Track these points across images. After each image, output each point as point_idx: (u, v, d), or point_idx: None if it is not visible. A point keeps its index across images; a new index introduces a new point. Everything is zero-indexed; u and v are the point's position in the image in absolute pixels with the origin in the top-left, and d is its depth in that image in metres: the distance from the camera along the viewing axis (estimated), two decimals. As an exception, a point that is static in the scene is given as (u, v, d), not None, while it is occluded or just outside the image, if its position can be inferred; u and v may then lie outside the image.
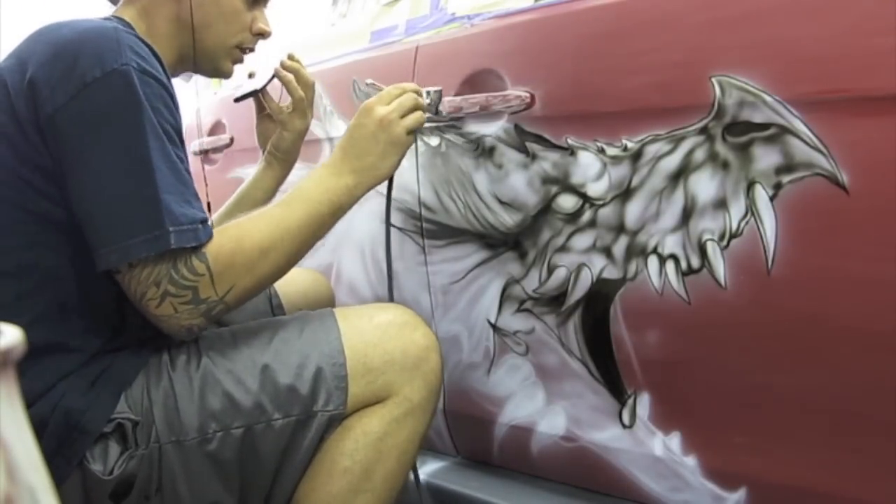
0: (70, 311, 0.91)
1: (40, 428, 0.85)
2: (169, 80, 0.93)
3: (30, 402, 0.84)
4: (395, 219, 1.32)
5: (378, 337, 0.98)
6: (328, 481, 0.96)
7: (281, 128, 1.24)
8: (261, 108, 1.27)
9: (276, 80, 1.23)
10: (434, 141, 1.24)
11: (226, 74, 1.12)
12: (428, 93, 1.11)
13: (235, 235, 0.92)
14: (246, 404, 0.92)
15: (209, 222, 0.91)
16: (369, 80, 1.21)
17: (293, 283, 1.32)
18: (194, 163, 1.84)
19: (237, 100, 1.27)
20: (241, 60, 1.12)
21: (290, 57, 1.23)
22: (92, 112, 0.86)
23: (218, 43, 1.07)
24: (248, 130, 1.57)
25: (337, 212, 1.00)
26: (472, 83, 1.18)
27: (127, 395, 0.91)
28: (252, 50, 1.12)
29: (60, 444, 0.86)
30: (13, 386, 0.33)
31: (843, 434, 0.87)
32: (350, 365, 0.96)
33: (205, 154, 1.82)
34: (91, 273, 0.89)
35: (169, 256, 0.87)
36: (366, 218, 1.38)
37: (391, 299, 1.17)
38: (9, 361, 0.33)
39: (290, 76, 1.21)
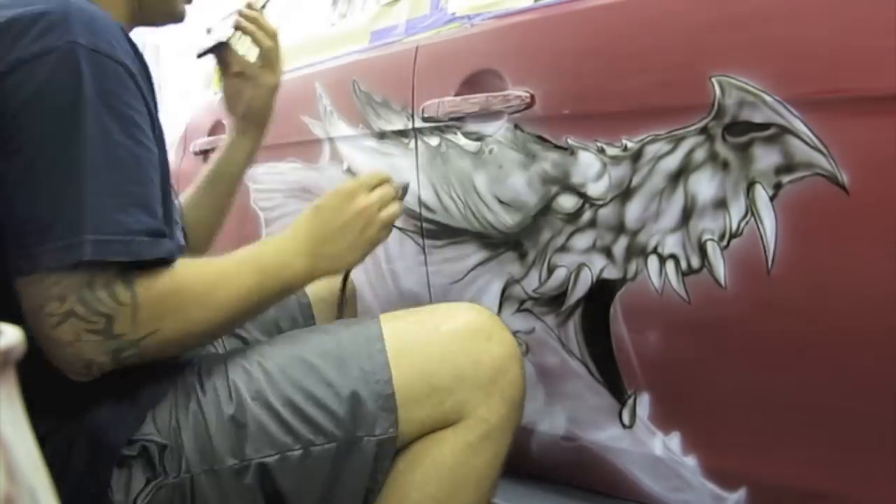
0: None
1: (68, 450, 0.78)
2: (137, 56, 0.81)
3: (59, 425, 0.78)
4: (398, 220, 1.32)
5: (445, 350, 0.86)
6: None
7: (252, 84, 1.13)
8: (226, 67, 1.16)
9: (236, 36, 1.15)
10: (434, 141, 1.24)
11: (180, 16, 1.00)
12: (397, 190, 0.98)
13: (179, 277, 0.77)
14: (279, 431, 0.82)
15: (167, 236, 0.77)
16: (346, 166, 1.11)
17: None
18: (194, 163, 1.84)
19: (200, 55, 1.17)
20: (190, 1, 1.01)
21: (249, 6, 1.14)
22: (23, 94, 0.72)
23: None
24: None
25: (285, 292, 0.89)
26: (472, 83, 1.18)
27: (154, 416, 0.81)
28: None
29: (86, 467, 0.78)
30: (13, 386, 0.33)
31: (843, 434, 0.87)
32: (409, 385, 0.84)
33: (205, 154, 1.82)
34: None
35: (86, 270, 0.71)
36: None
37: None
38: (9, 361, 0.33)
39: (254, 27, 1.12)
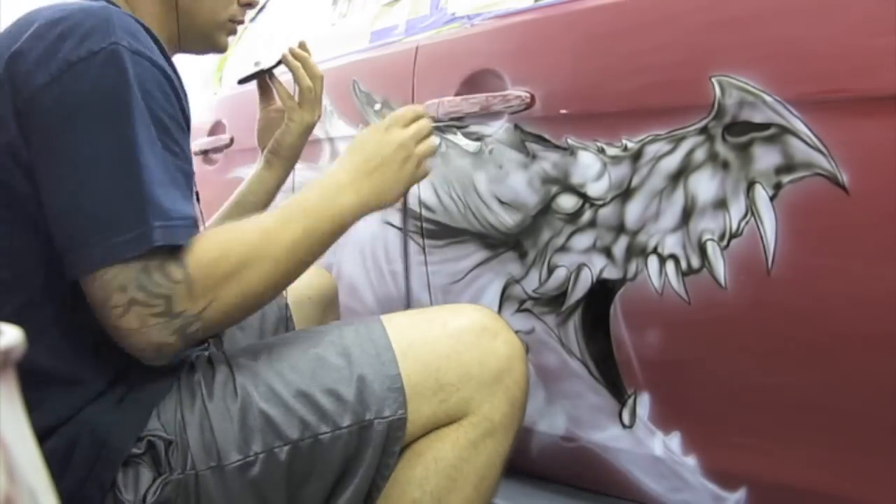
0: (92, 323, 0.79)
1: (69, 452, 0.77)
2: (169, 62, 0.85)
3: (56, 425, 0.78)
4: (396, 218, 1.32)
5: (452, 347, 0.86)
6: None
7: (287, 119, 1.14)
8: (266, 100, 1.19)
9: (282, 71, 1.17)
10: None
11: (222, 48, 1.03)
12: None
13: (223, 243, 0.79)
14: (287, 422, 0.82)
15: (197, 225, 0.80)
16: (378, 106, 1.14)
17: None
18: (195, 162, 1.84)
19: (242, 81, 1.20)
20: (234, 32, 1.04)
21: (301, 45, 1.15)
22: (74, 95, 0.75)
23: (208, 20, 0.98)
24: (248, 130, 1.57)
25: (338, 230, 0.88)
26: (472, 83, 1.18)
27: (159, 412, 0.81)
28: (241, 21, 1.04)
29: (90, 467, 0.77)
30: (13, 386, 0.33)
31: (843, 434, 0.87)
32: (417, 380, 0.85)
33: (204, 154, 1.82)
34: None
35: (139, 257, 0.74)
36: (365, 218, 1.38)
37: (408, 306, 1.08)
38: (9, 361, 0.33)
39: (298, 64, 1.13)
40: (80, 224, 0.74)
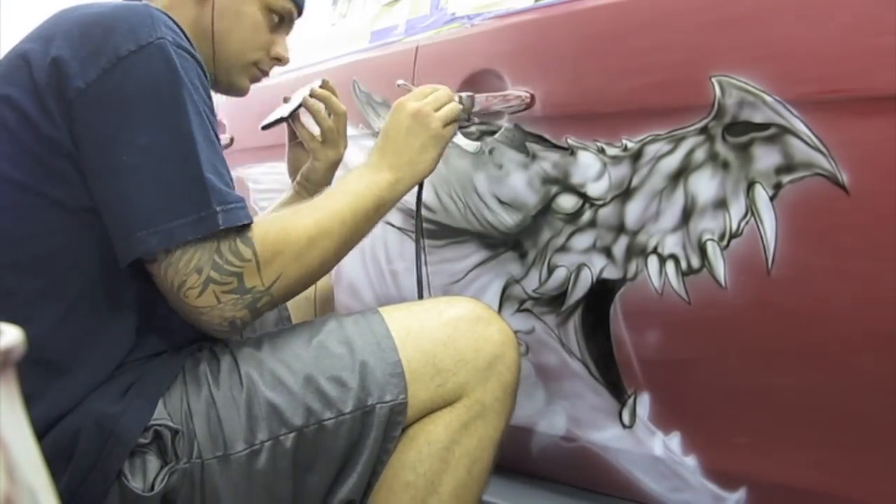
0: (96, 311, 0.83)
1: (73, 442, 0.78)
2: (201, 65, 0.88)
3: (60, 415, 0.79)
4: (395, 219, 1.32)
5: (448, 335, 0.90)
6: (389, 496, 0.88)
7: (313, 158, 1.17)
8: (292, 136, 1.21)
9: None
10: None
11: (241, 91, 1.06)
12: (460, 97, 1.07)
13: (281, 224, 0.86)
14: (292, 409, 0.84)
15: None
16: (401, 81, 1.16)
17: None
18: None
19: (265, 127, 1.21)
20: (258, 79, 1.07)
21: (324, 85, 1.17)
22: (127, 86, 0.79)
23: (235, 55, 1.01)
24: (248, 130, 1.57)
25: (381, 207, 0.94)
26: (472, 83, 1.18)
27: (165, 402, 0.83)
28: (267, 73, 1.07)
29: (96, 457, 0.78)
30: (13, 386, 0.33)
31: (843, 434, 0.87)
32: (416, 365, 0.88)
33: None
34: (116, 269, 0.81)
35: (213, 239, 0.79)
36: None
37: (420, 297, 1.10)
38: (9, 361, 0.33)
39: (320, 105, 1.15)
40: (142, 208, 0.78)
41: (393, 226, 1.33)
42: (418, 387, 0.88)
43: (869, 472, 0.85)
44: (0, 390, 0.32)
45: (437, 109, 1.00)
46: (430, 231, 1.27)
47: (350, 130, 1.40)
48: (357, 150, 1.39)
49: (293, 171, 1.22)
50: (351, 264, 1.44)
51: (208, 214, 0.78)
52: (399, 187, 0.97)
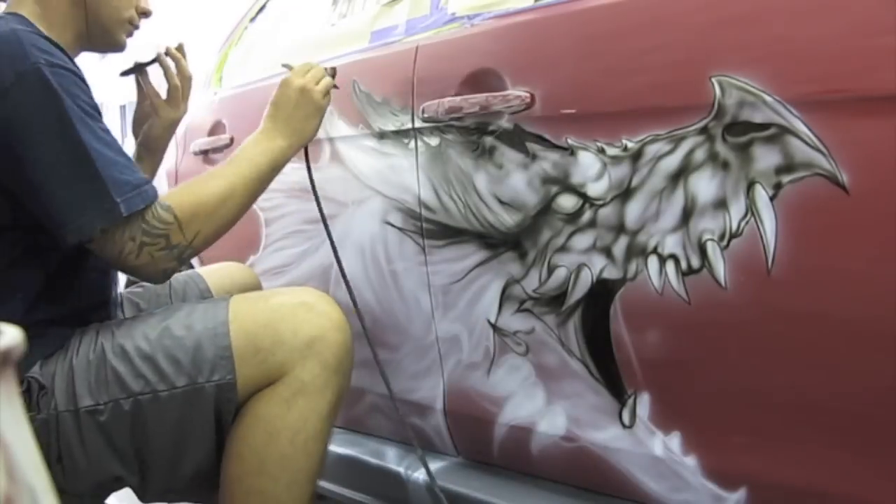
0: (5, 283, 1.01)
1: None
2: (74, 63, 1.02)
3: None
4: (395, 219, 1.32)
5: (268, 318, 1.02)
6: (228, 465, 1.01)
7: (154, 113, 1.28)
8: (141, 94, 1.31)
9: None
10: (434, 141, 1.24)
11: (121, 47, 1.18)
12: (331, 71, 1.24)
13: (193, 190, 1.05)
14: (132, 377, 0.98)
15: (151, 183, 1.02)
16: (284, 62, 1.27)
17: (219, 273, 1.44)
18: (194, 163, 1.84)
19: (122, 73, 1.29)
20: (131, 34, 1.18)
21: (179, 47, 1.29)
22: (18, 115, 0.94)
23: (112, 16, 1.13)
24: (248, 130, 1.57)
25: (275, 169, 1.12)
26: (472, 83, 1.18)
27: (42, 363, 1.00)
28: (138, 27, 1.19)
29: None
30: (13, 386, 0.34)
31: (843, 434, 0.87)
32: (240, 346, 1.00)
33: (205, 154, 1.82)
34: (15, 253, 1.00)
35: (137, 214, 0.98)
36: (365, 218, 1.38)
37: (346, 284, 1.24)
38: (9, 361, 0.33)
39: (171, 63, 1.27)
40: (61, 212, 0.96)
41: (393, 226, 1.33)
42: (243, 365, 1.00)
43: (869, 472, 0.85)
44: (0, 390, 0.32)
45: (317, 83, 1.17)
46: (430, 231, 1.27)
47: (350, 130, 1.40)
48: (357, 151, 1.39)
49: (136, 128, 1.33)
50: (350, 264, 1.44)
51: (112, 206, 0.96)
52: (290, 152, 1.14)
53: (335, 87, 1.24)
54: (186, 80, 1.29)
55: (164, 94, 1.29)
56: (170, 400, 0.98)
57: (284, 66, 1.27)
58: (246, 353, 1.00)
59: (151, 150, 1.31)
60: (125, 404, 0.98)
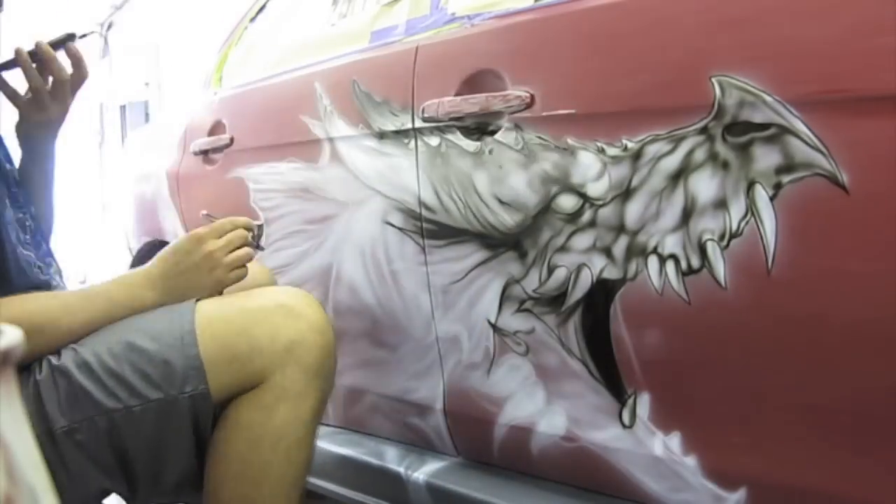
0: None
1: None
2: None
3: None
4: (395, 219, 1.32)
5: (243, 323, 0.98)
6: (211, 470, 0.99)
7: (21, 113, 1.15)
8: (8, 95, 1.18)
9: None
10: (434, 141, 1.24)
11: None
12: (252, 228, 1.10)
13: (29, 306, 0.97)
14: (103, 395, 0.95)
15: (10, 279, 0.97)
16: (204, 212, 1.18)
17: None
18: (194, 164, 1.84)
19: None
20: None
21: (52, 45, 1.11)
22: None
23: None
24: (248, 130, 1.57)
25: (132, 315, 1.02)
26: (472, 83, 1.18)
27: None
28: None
29: None
30: (13, 386, 0.33)
31: (843, 434, 0.87)
32: (212, 354, 0.96)
33: (205, 154, 1.82)
34: None
35: None
36: (365, 219, 1.38)
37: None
38: (9, 361, 0.33)
39: (28, 61, 1.10)
40: None
41: (393, 226, 1.33)
42: (217, 374, 0.96)
43: (869, 472, 0.85)
44: (0, 390, 0.32)
45: (231, 252, 1.05)
46: (430, 231, 1.27)
47: (350, 130, 1.40)
48: (357, 151, 1.39)
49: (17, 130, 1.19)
50: (351, 265, 1.44)
51: None
52: (156, 306, 1.03)
53: (259, 247, 1.13)
54: (64, 84, 1.11)
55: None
56: (144, 413, 0.95)
57: (205, 215, 1.16)
58: (220, 361, 0.96)
59: (33, 156, 1.18)
60: (100, 421, 0.95)
